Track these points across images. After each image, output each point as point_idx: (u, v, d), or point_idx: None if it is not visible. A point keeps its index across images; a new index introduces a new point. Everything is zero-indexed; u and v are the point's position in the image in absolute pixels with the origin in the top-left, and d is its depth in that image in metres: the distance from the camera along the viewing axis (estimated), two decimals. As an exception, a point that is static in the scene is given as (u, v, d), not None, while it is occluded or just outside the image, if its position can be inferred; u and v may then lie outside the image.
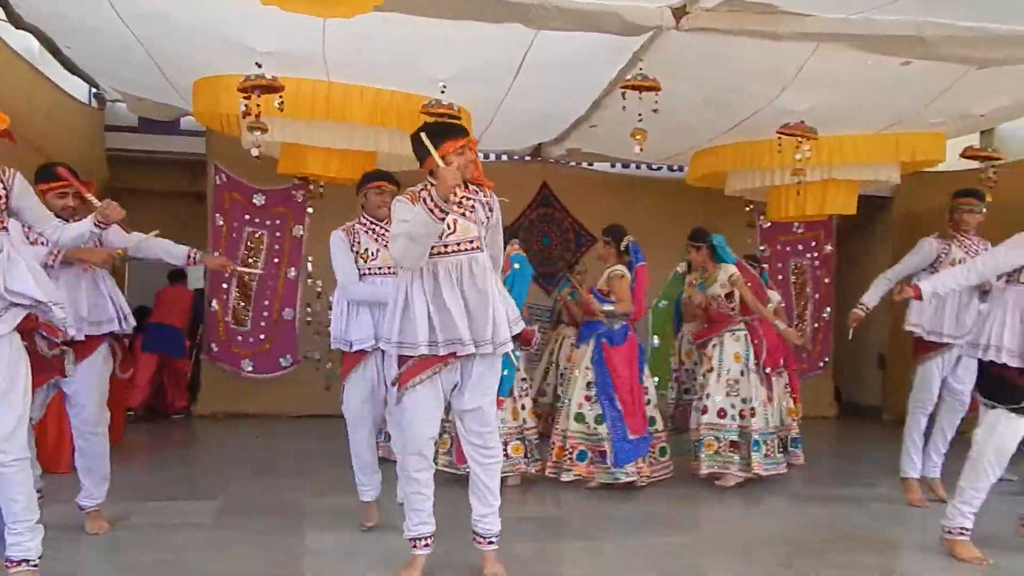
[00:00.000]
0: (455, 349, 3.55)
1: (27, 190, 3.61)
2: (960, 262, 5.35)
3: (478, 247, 3.67)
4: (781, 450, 6.23)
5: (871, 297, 5.70)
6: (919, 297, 4.61)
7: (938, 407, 5.63)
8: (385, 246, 4.35)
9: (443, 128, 3.79)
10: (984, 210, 5.72)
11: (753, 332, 6.12)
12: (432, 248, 3.56)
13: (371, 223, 4.58)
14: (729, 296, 6.12)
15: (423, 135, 3.59)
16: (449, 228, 3.59)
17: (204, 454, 7.47)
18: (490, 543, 3.76)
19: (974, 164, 7.19)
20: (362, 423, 4.56)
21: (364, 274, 4.51)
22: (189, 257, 4.69)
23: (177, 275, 9.46)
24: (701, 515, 5.39)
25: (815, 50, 5.61)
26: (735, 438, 5.94)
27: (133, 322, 4.54)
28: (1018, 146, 8.86)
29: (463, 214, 3.66)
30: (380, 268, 4.51)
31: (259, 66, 5.32)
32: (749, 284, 6.19)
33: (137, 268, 9.75)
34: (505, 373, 5.63)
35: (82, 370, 4.20)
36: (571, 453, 5.79)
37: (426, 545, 3.73)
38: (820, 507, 5.57)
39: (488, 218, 3.75)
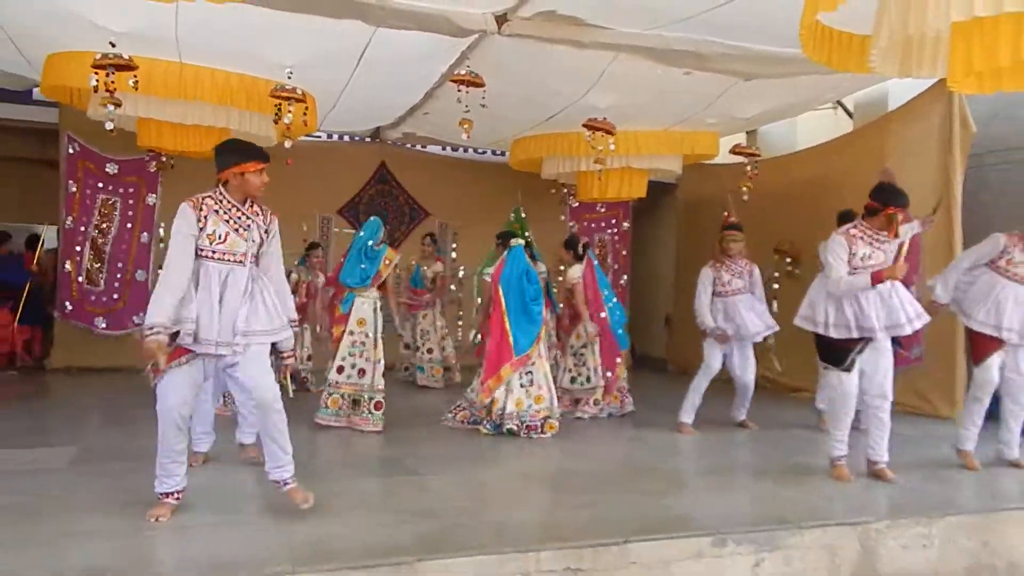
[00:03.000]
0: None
1: None
2: (729, 283, 6.25)
3: (241, 262, 3.68)
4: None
5: None
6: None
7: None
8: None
9: (247, 148, 3.75)
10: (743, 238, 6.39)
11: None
12: (200, 251, 3.62)
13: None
14: None
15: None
16: (220, 238, 3.64)
17: (58, 405, 7.07)
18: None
19: (740, 159, 7.81)
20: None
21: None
22: None
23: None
24: (513, 455, 5.56)
25: (615, 58, 5.94)
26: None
27: None
28: (773, 145, 9.69)
29: (236, 230, 3.68)
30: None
31: (113, 45, 5.09)
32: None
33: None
34: None
35: None
36: None
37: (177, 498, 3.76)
38: (615, 445, 5.99)
39: (262, 239, 3.77)
